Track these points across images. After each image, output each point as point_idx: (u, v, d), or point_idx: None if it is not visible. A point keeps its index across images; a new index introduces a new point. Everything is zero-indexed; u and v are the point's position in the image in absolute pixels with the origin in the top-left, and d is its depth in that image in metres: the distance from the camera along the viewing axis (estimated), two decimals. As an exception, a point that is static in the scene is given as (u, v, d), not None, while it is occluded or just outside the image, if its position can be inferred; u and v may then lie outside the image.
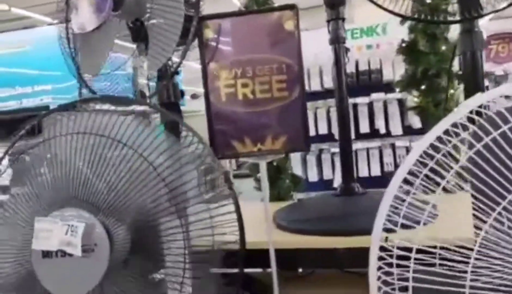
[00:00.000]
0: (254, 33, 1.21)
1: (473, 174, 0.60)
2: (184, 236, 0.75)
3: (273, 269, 1.24)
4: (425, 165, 0.69)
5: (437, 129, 0.62)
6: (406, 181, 0.72)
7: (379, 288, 0.75)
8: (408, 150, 3.53)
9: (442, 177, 0.69)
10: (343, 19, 1.57)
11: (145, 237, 0.76)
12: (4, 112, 4.23)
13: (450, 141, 0.65)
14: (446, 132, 0.63)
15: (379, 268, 0.74)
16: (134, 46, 1.26)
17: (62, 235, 0.70)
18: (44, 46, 4.39)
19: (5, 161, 0.90)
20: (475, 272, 0.59)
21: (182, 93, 1.33)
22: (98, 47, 1.16)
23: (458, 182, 0.66)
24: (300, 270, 1.62)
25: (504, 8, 0.95)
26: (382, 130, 3.57)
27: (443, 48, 2.21)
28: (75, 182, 0.73)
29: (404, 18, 1.22)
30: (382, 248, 0.75)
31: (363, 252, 1.30)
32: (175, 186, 0.71)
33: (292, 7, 1.19)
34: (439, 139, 0.63)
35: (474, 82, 0.97)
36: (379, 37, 3.75)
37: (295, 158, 3.51)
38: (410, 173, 0.72)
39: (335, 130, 3.55)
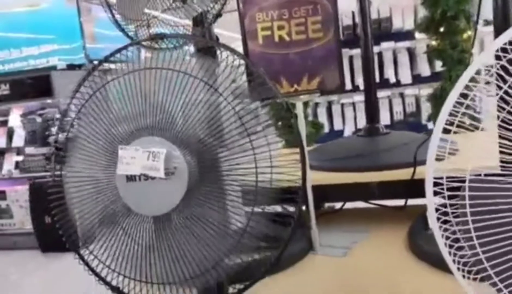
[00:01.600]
0: (289, -25, 1.23)
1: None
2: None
3: (311, 205, 1.33)
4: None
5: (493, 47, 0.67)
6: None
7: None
8: (417, 98, 3.57)
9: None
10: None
11: (214, 167, 0.83)
12: (13, 73, 4.24)
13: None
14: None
15: (435, 193, 0.77)
16: None
17: (144, 161, 0.77)
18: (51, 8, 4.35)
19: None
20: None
21: (217, 38, 1.37)
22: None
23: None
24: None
25: None
26: (392, 80, 3.61)
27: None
28: (154, 113, 0.79)
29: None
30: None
31: (394, 185, 1.39)
32: (247, 121, 0.77)
33: None
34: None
35: (504, 22, 1.02)
36: (388, -15, 3.71)
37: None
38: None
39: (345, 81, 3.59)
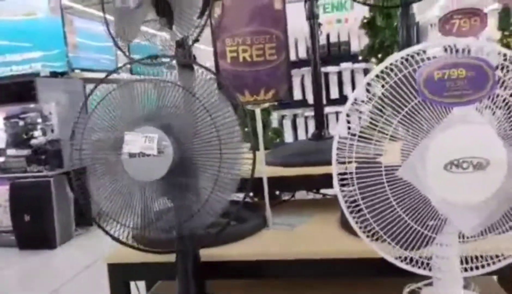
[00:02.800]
0: (252, 11, 1.60)
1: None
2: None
3: (266, 192, 1.69)
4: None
5: (377, 69, 1.05)
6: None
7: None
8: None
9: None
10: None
11: (189, 156, 1.17)
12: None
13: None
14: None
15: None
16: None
17: (142, 143, 1.10)
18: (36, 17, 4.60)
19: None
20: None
21: (195, 57, 1.72)
22: (134, 20, 1.53)
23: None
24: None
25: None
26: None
27: (395, 24, 2.65)
28: (149, 109, 1.13)
29: (358, 2, 1.64)
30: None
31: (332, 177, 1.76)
32: (220, 126, 1.12)
33: (280, -9, 1.59)
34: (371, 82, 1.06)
35: (408, 42, 1.41)
36: (347, 12, 4.16)
37: (273, 122, 3.95)
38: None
39: (308, 97, 3.99)
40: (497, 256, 1.12)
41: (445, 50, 1.06)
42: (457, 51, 1.02)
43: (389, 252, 1.13)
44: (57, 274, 3.73)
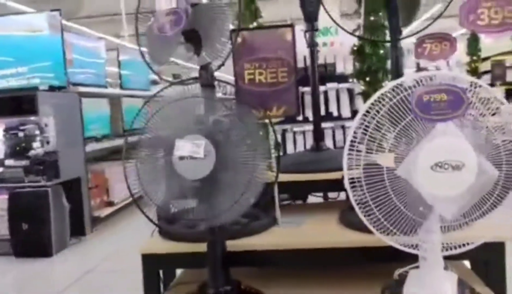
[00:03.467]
0: (267, 41, 1.90)
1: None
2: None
3: (276, 195, 1.96)
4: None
5: (374, 97, 1.35)
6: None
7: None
8: (354, 129, 4.37)
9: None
10: (317, 30, 2.29)
11: (228, 157, 1.44)
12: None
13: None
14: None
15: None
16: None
17: (190, 148, 1.36)
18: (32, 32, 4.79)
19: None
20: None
21: (215, 78, 1.99)
22: (168, 46, 1.79)
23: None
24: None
25: (408, 36, 1.71)
26: (335, 113, 4.37)
27: (381, 52, 3.02)
28: (196, 121, 1.39)
29: (350, 34, 1.97)
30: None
31: (330, 182, 2.05)
32: (253, 133, 1.39)
33: (290, 26, 1.90)
34: (374, 103, 1.36)
35: (396, 75, 1.73)
36: (332, 37, 4.52)
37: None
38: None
39: (312, 112, 4.30)
40: (467, 243, 1.43)
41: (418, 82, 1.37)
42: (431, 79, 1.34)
43: (389, 239, 1.41)
44: (54, 282, 3.86)
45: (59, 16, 4.80)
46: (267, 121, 1.90)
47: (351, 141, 1.37)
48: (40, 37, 4.77)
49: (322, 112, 4.44)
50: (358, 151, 1.39)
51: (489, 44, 9.15)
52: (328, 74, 4.41)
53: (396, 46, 1.78)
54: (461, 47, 7.82)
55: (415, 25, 1.87)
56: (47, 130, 4.61)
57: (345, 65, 4.33)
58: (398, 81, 1.36)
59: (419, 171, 1.26)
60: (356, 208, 1.39)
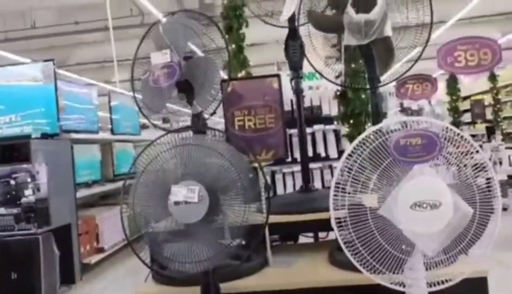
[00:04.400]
0: (255, 89, 2.03)
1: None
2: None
3: (267, 237, 2.02)
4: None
5: (356, 141, 1.46)
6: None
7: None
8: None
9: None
10: (302, 77, 2.43)
11: (220, 201, 1.51)
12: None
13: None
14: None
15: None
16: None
17: (185, 193, 1.44)
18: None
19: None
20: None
21: (207, 125, 2.10)
22: (162, 97, 1.90)
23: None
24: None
25: (386, 84, 1.85)
26: (323, 154, 4.48)
27: (363, 96, 3.18)
28: (191, 167, 1.47)
29: (332, 82, 2.10)
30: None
31: (320, 222, 2.12)
32: (244, 177, 1.48)
33: (277, 75, 2.03)
34: (356, 147, 1.47)
35: (376, 119, 1.86)
36: (318, 81, 4.70)
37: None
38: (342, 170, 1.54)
39: (299, 154, 4.41)
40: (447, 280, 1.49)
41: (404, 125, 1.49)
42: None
43: (377, 277, 1.48)
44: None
45: (52, 66, 4.94)
46: (256, 164, 1.99)
47: (336, 183, 1.46)
48: (34, 86, 4.90)
49: (310, 153, 4.55)
50: (343, 192, 1.48)
51: (468, 84, 9.53)
52: (314, 116, 4.55)
53: (375, 93, 1.91)
54: (441, 87, 8.14)
55: (395, 68, 2.02)
56: (38, 178, 4.63)
57: (331, 108, 4.48)
58: (377, 126, 1.47)
59: (399, 210, 1.35)
60: (344, 247, 1.46)
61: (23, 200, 4.44)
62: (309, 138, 4.76)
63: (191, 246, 1.50)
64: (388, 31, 1.75)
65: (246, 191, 1.53)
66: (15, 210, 4.41)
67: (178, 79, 1.87)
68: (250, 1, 2.55)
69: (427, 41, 1.81)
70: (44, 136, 4.80)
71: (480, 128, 8.75)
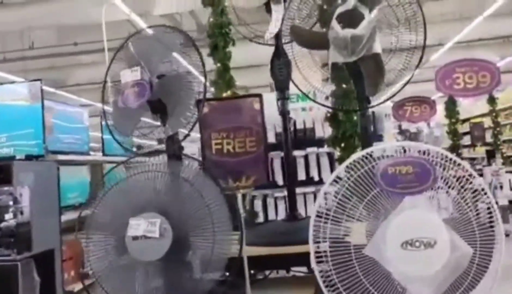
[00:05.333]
0: (235, 110, 1.87)
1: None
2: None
3: (246, 270, 1.83)
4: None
5: (342, 165, 1.29)
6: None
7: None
8: (337, 194, 4.28)
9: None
10: (288, 98, 2.28)
11: (186, 236, 1.34)
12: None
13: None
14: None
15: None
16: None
17: (145, 227, 1.26)
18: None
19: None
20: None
21: (182, 148, 1.93)
22: (132, 118, 1.75)
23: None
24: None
25: (375, 105, 1.70)
26: (316, 178, 4.30)
27: (355, 118, 3.02)
28: (151, 198, 1.30)
29: (321, 105, 1.95)
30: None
31: (305, 255, 1.93)
32: (213, 211, 1.31)
33: (259, 95, 1.88)
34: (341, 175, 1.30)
35: (365, 143, 1.69)
36: (311, 102, 4.56)
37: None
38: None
39: (277, 178, 4.22)
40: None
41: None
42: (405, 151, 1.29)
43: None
44: None
45: (39, 85, 4.81)
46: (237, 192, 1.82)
47: (317, 215, 1.29)
48: (19, 106, 4.75)
49: (303, 176, 4.38)
50: (325, 224, 1.31)
51: (467, 106, 9.43)
52: (307, 138, 4.39)
53: (364, 115, 1.76)
54: (440, 109, 8.03)
55: (392, 91, 1.88)
56: (21, 201, 4.44)
57: (324, 130, 4.32)
58: (364, 151, 1.31)
59: (389, 249, 1.17)
60: (324, 290, 1.28)
61: (3, 224, 4.25)
62: (302, 161, 4.60)
63: (154, 286, 1.32)
64: (377, 48, 1.60)
65: (219, 222, 1.35)
66: (-6, 235, 4.21)
67: (149, 98, 1.72)
68: (235, 19, 2.42)
69: (420, 61, 1.66)
70: (29, 157, 4.64)
71: (480, 151, 8.59)
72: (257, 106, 1.87)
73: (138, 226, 1.27)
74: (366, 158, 1.30)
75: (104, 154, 6.76)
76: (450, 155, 1.28)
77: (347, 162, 1.28)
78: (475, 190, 1.25)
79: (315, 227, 1.28)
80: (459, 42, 8.69)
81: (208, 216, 1.32)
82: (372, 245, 1.20)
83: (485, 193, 1.20)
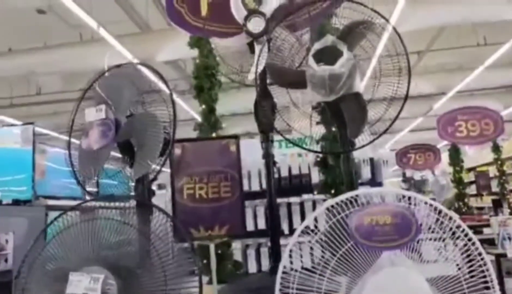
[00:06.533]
0: (209, 152, 1.75)
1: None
2: None
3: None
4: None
5: (314, 213, 1.14)
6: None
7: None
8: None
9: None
10: (272, 141, 2.15)
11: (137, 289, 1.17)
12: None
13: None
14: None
15: None
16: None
17: (87, 284, 1.10)
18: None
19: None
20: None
21: (154, 193, 1.79)
22: (97, 160, 1.62)
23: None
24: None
25: (360, 147, 1.57)
26: (311, 226, 4.10)
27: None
28: (93, 250, 1.15)
29: (309, 151, 1.81)
30: None
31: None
32: (167, 264, 1.15)
33: (235, 136, 1.75)
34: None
35: (350, 187, 1.53)
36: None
37: (237, 251, 3.91)
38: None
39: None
40: None
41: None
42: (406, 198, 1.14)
43: None
44: None
45: (32, 129, 4.76)
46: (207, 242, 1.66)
47: (283, 271, 1.13)
48: (10, 150, 4.68)
49: (298, 224, 4.18)
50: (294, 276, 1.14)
51: (472, 155, 9.25)
52: (303, 184, 4.24)
53: (348, 158, 1.62)
54: (444, 157, 7.86)
55: (396, 138, 1.74)
56: (6, 247, 4.26)
57: (321, 176, 4.17)
58: (341, 197, 1.16)
59: (364, 315, 0.99)
60: None
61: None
62: (297, 208, 4.42)
63: None
64: (357, 86, 1.48)
65: (175, 278, 1.19)
66: (-27, 283, 4.00)
67: (114, 139, 1.60)
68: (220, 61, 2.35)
69: (408, 86, 1.51)
70: (16, 202, 4.50)
71: (487, 200, 8.31)
72: (233, 148, 1.75)
73: (79, 282, 1.11)
74: (341, 206, 1.15)
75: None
76: (438, 205, 1.12)
77: (317, 211, 1.13)
78: (467, 248, 1.08)
79: (283, 282, 1.11)
80: (462, 91, 8.66)
81: (161, 271, 1.15)
82: (345, 309, 1.03)
83: (480, 254, 1.03)
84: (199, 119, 3.78)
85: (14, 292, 1.24)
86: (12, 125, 6.14)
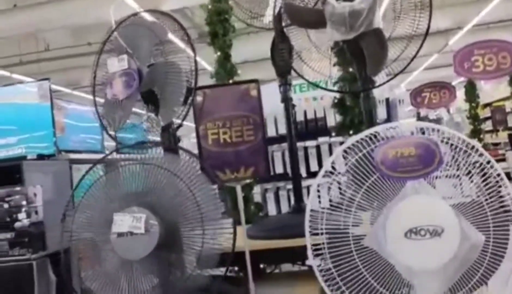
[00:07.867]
0: (230, 97, 1.78)
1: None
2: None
3: (248, 265, 1.75)
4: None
5: (340, 149, 1.19)
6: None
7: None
8: (351, 184, 4.14)
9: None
10: (290, 85, 2.17)
11: (174, 232, 1.26)
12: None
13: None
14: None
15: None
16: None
17: (130, 222, 1.19)
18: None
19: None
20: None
21: (179, 139, 1.85)
22: (123, 110, 1.67)
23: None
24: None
25: (379, 85, 1.58)
26: (340, 159, 4.17)
27: (364, 103, 2.89)
28: (136, 190, 1.23)
29: (331, 91, 1.83)
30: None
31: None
32: (202, 203, 1.22)
33: (255, 81, 1.77)
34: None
35: (371, 126, 1.57)
36: (322, 90, 4.43)
37: (257, 195, 4.03)
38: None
39: (289, 170, 4.12)
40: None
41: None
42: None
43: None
44: None
45: (48, 85, 4.81)
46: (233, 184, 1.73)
47: (311, 210, 1.19)
48: (29, 106, 4.76)
49: (315, 167, 4.26)
50: (322, 213, 1.21)
51: (488, 90, 9.09)
52: (319, 128, 4.27)
53: (368, 97, 1.64)
54: (460, 95, 7.75)
55: (412, 76, 1.75)
56: (34, 200, 4.46)
57: (336, 119, 4.19)
58: (362, 134, 1.20)
59: (390, 240, 1.06)
60: (324, 285, 1.18)
61: (17, 224, 4.27)
62: (314, 151, 4.48)
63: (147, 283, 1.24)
64: (378, 22, 1.48)
65: (209, 217, 1.27)
66: (8, 235, 4.24)
67: (138, 88, 1.64)
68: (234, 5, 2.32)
69: (427, 32, 1.51)
70: (40, 157, 4.65)
71: (503, 136, 8.27)
72: (254, 92, 1.77)
73: (122, 221, 1.19)
74: (366, 141, 1.19)
75: (117, 152, 6.78)
76: (459, 134, 1.16)
77: (343, 146, 1.18)
78: (484, 173, 1.13)
79: (311, 219, 1.18)
80: (478, 25, 8.37)
81: (197, 210, 1.23)
82: (371, 236, 1.10)
83: (498, 175, 1.08)
84: (208, 68, 3.75)
85: (62, 234, 1.34)
86: (25, 82, 6.19)
